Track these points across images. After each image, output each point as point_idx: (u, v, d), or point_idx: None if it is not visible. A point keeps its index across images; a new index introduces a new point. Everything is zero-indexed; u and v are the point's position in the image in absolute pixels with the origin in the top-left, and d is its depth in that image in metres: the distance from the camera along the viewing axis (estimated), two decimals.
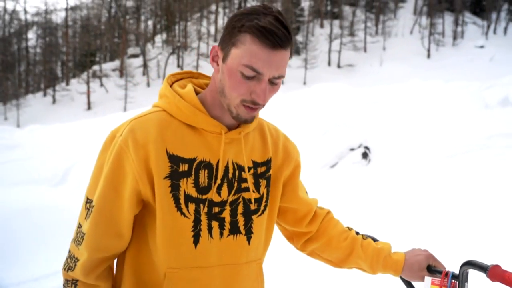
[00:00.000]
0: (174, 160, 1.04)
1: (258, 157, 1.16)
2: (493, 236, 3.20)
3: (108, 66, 38.63)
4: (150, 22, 45.76)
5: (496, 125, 6.48)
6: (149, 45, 40.40)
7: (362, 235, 1.34)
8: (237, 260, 1.13)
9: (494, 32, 39.95)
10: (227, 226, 1.10)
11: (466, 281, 1.14)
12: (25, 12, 40.58)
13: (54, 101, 34.20)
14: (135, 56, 39.36)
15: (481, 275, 1.11)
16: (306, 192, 1.34)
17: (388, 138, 6.28)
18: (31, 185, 6.21)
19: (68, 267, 1.08)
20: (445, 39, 38.49)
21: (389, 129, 6.88)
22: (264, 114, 1.77)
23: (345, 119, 6.41)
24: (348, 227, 1.36)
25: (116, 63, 38.75)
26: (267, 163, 1.17)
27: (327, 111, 6.52)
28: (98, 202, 1.04)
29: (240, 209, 1.12)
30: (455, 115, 8.08)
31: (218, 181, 1.08)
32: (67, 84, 36.68)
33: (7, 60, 37.72)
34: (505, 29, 39.80)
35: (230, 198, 1.10)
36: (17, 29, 40.09)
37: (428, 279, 1.21)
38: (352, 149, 5.98)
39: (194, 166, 1.05)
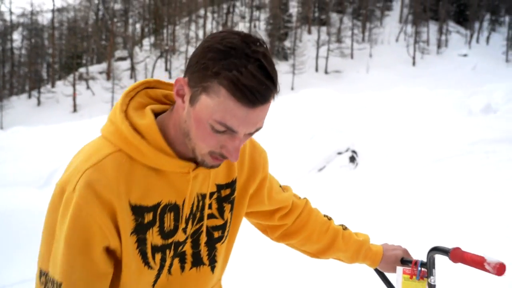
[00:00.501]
0: (138, 211, 0.90)
1: (222, 178, 1.04)
2: (476, 236, 3.27)
3: (95, 68, 38.29)
4: (138, 25, 45.56)
5: (479, 131, 6.63)
6: (136, 48, 40.20)
7: (341, 225, 1.33)
8: None
9: (477, 41, 40.83)
10: (189, 259, 1.01)
11: (434, 267, 1.21)
12: (11, 13, 40.00)
13: (39, 103, 33.74)
14: (122, 59, 39.10)
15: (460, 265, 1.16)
16: (280, 186, 1.25)
17: (375, 142, 6.37)
18: (15, 187, 6.12)
19: None
20: (430, 47, 39.18)
21: (376, 134, 6.99)
22: None
23: (333, 123, 6.50)
24: (326, 216, 1.32)
25: (103, 65, 38.44)
26: (232, 185, 1.05)
27: (314, 116, 6.60)
28: (65, 277, 0.86)
29: (203, 238, 1.02)
30: (439, 121, 8.23)
31: (183, 224, 0.97)
32: (53, 86, 36.22)
33: None
34: (488, 38, 40.72)
35: (192, 230, 0.99)
36: (1, 30, 39.49)
37: (399, 269, 1.26)
38: (339, 153, 6.05)
39: (158, 212, 0.92)
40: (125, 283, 0.93)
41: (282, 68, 34.80)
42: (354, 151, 6.06)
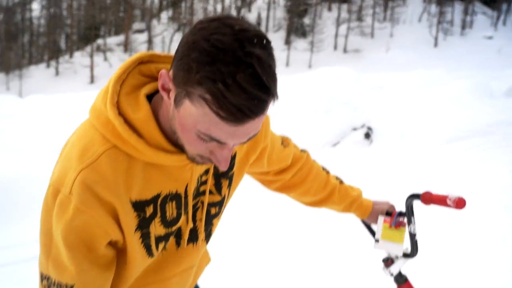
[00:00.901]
0: (139, 207, 0.86)
1: None
2: (489, 217, 3.20)
3: (112, 40, 38.30)
4: None
5: (499, 114, 6.45)
6: (154, 21, 39.96)
7: (338, 179, 1.39)
8: (195, 262, 1.06)
9: (504, 23, 39.40)
10: (186, 235, 0.98)
11: (412, 214, 1.29)
12: None
13: (57, 73, 34.02)
14: (140, 31, 38.98)
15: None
16: (282, 143, 1.18)
17: (391, 120, 6.25)
18: (32, 152, 6.21)
19: None
20: (454, 29, 38.00)
21: (393, 112, 6.85)
22: None
23: (349, 100, 6.38)
24: (325, 170, 1.35)
25: (121, 37, 38.40)
26: (231, 160, 0.99)
27: (331, 92, 6.48)
28: (77, 278, 0.84)
29: (199, 214, 0.99)
30: (459, 103, 8.03)
31: (190, 212, 0.94)
32: (71, 56, 36.43)
33: (10, 30, 37.38)
34: None
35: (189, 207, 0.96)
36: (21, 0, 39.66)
37: (381, 218, 1.37)
38: (354, 129, 5.96)
39: (159, 203, 0.88)
40: (128, 275, 0.93)
41: (300, 46, 34.27)
42: (369, 128, 5.96)
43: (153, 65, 0.89)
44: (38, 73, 34.01)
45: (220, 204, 1.02)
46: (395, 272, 1.34)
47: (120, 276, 0.92)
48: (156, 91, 0.86)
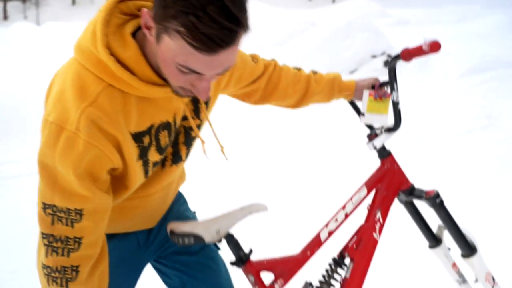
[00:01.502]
0: (138, 138, 0.96)
1: None
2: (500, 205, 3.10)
3: None
4: None
5: None
6: None
7: (311, 71, 1.39)
8: (175, 179, 1.18)
9: None
10: (169, 157, 1.09)
11: (395, 80, 1.29)
12: None
13: (73, 2, 33.43)
14: None
15: None
16: (252, 59, 1.26)
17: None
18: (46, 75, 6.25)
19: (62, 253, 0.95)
20: None
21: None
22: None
23: (370, 26, 6.08)
24: (296, 68, 1.37)
25: None
26: None
27: (351, 21, 6.17)
28: (85, 203, 0.93)
29: (181, 138, 1.09)
30: (488, 37, 7.61)
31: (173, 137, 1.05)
32: None
33: None
34: None
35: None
36: None
37: (366, 92, 1.36)
38: (374, 56, 5.73)
39: (153, 133, 0.99)
40: (125, 195, 1.04)
41: None
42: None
43: (131, 2, 0.94)
44: (55, 2, 33.49)
45: (198, 127, 1.11)
46: (378, 145, 1.36)
47: (118, 196, 1.03)
48: (138, 28, 0.93)
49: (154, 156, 1.01)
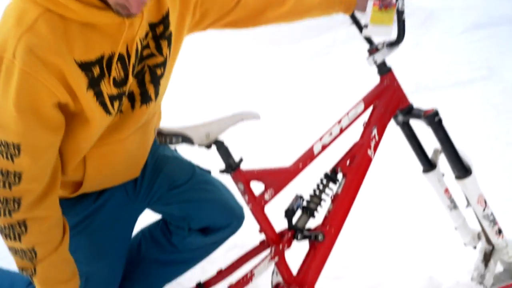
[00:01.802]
0: (85, 67, 0.93)
1: (154, 16, 1.05)
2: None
3: None
4: None
5: None
6: None
7: None
8: (149, 119, 1.17)
9: None
10: (138, 98, 1.08)
11: None
12: None
13: None
14: None
15: None
16: None
17: None
18: None
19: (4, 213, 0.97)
20: None
21: None
22: None
23: None
24: None
25: None
26: (164, 20, 1.06)
27: None
28: (22, 137, 0.91)
29: (147, 77, 1.08)
30: None
31: (131, 70, 1.01)
32: None
33: None
34: None
35: (136, 71, 1.05)
36: None
37: (370, 2, 1.28)
38: None
39: (104, 64, 0.96)
40: (93, 133, 1.02)
41: None
42: None
43: None
44: None
45: (163, 65, 1.09)
46: (379, 60, 1.31)
47: (83, 135, 1.02)
48: None
49: (108, 88, 0.99)
